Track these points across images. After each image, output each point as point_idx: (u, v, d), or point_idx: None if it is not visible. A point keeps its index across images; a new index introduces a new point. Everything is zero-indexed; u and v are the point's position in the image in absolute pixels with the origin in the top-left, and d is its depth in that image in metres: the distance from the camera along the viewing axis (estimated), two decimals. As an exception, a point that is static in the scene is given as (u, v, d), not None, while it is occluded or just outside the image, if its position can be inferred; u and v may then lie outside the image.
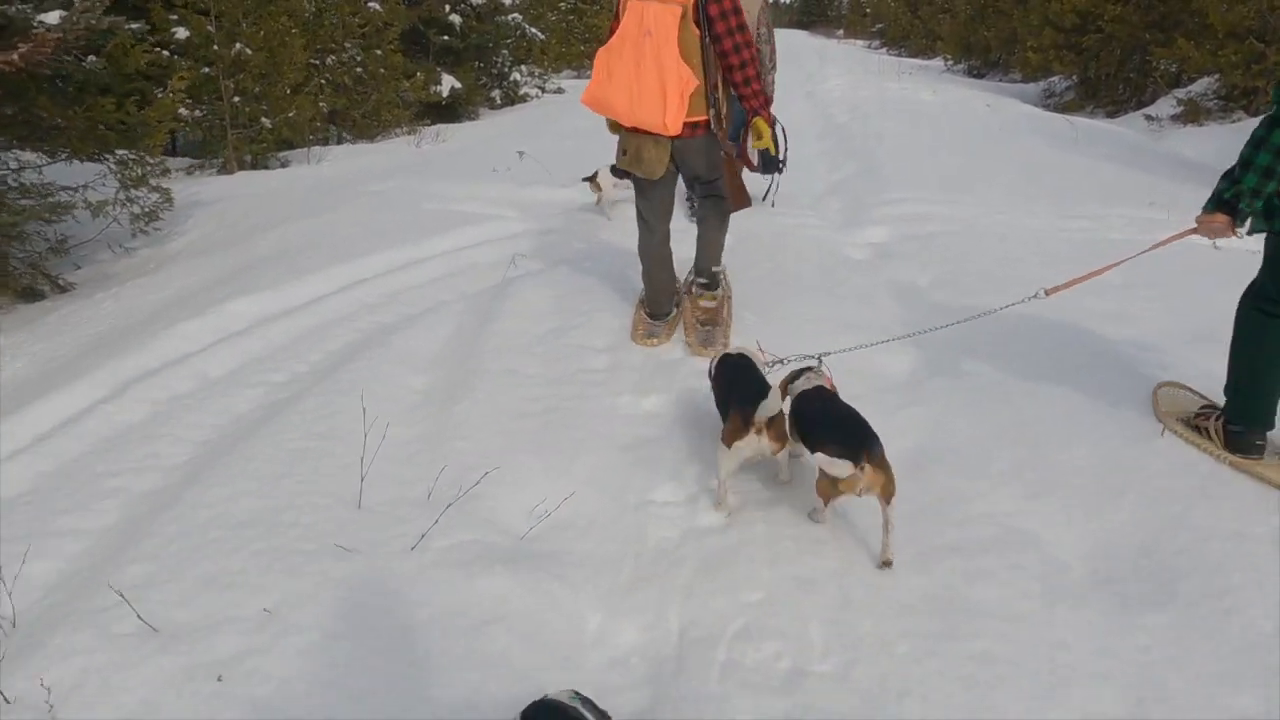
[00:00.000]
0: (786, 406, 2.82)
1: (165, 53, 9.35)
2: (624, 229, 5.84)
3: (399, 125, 13.45)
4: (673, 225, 4.20)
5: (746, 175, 6.14)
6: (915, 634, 2.25)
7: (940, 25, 27.86)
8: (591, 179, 6.51)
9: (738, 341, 3.94)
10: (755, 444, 2.67)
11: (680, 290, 4.48)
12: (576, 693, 1.75)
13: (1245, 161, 2.60)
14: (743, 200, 3.91)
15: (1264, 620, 2.22)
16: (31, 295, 6.30)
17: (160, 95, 7.37)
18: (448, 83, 14.82)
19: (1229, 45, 10.22)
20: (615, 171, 5.88)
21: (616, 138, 3.91)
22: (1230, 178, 2.69)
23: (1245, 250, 4.30)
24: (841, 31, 50.00)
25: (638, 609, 2.36)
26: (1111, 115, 13.38)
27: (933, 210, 6.40)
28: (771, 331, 4.09)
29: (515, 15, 17.65)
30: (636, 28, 3.51)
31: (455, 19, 15.55)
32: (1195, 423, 3.04)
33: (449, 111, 15.25)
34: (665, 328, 4.22)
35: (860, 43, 39.95)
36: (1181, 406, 3.20)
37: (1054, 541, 2.62)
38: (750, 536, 2.62)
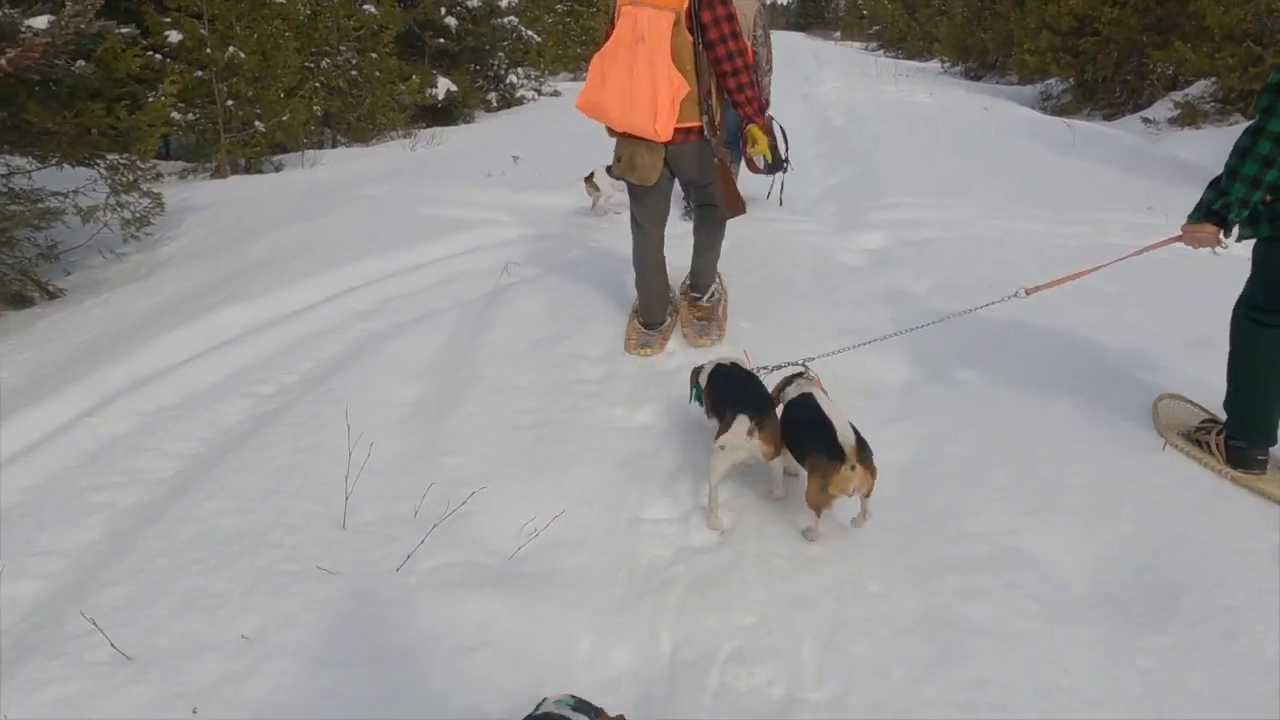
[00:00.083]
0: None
1: (158, 56, 9.30)
2: (619, 235, 5.80)
3: (394, 128, 13.40)
4: (668, 230, 4.16)
5: (748, 176, 6.09)
6: (911, 658, 2.20)
7: (937, 27, 27.87)
8: (589, 179, 6.46)
9: (725, 350, 3.91)
10: (747, 446, 2.67)
11: (675, 299, 4.44)
12: (573, 696, 1.74)
13: (1231, 171, 2.58)
14: (737, 207, 3.87)
15: (1267, 642, 2.18)
16: (21, 302, 6.24)
17: (152, 99, 7.32)
18: (443, 85, 14.77)
19: (1226, 48, 10.20)
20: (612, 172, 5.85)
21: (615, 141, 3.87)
22: (1217, 188, 2.67)
23: (1242, 257, 4.28)
24: (838, 33, 49.98)
25: (628, 630, 2.30)
26: (1108, 118, 13.36)
27: (929, 215, 6.36)
28: (767, 339, 4.05)
29: (511, 18, 17.62)
30: (630, 33, 3.48)
31: (451, 22, 15.51)
32: (1196, 437, 3.00)
33: (445, 114, 15.20)
34: (659, 337, 4.17)
35: (857, 45, 39.95)
36: (1182, 420, 3.16)
37: (1052, 559, 2.57)
38: (743, 555, 2.57)
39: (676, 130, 3.61)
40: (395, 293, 5.11)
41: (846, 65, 22.29)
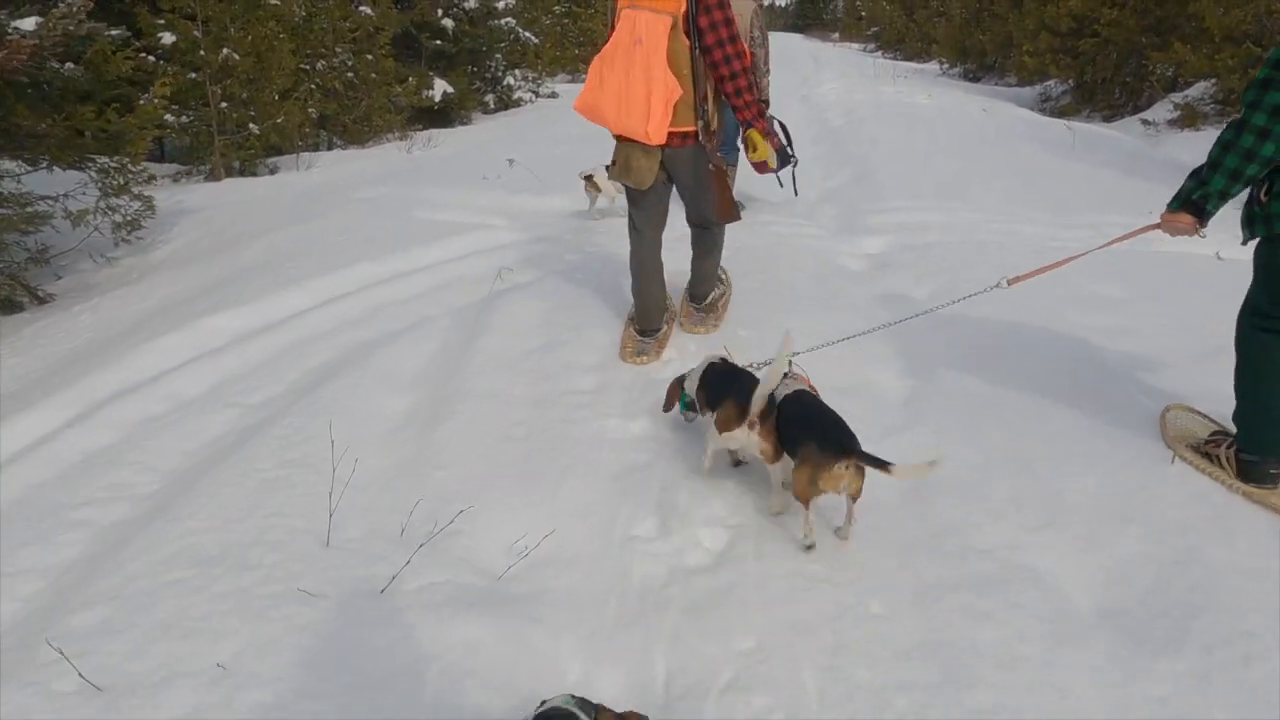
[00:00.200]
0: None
1: (151, 58, 9.22)
2: (615, 239, 5.73)
3: (390, 131, 13.31)
4: (668, 234, 4.10)
5: (753, 176, 6.01)
6: (913, 685, 2.12)
7: (936, 29, 27.80)
8: (589, 178, 6.37)
9: (714, 342, 3.93)
10: (743, 437, 2.73)
11: (672, 307, 4.37)
12: (572, 695, 1.72)
13: (1213, 163, 2.58)
14: (731, 213, 3.83)
15: (1284, 667, 2.10)
16: (10, 307, 6.16)
17: (143, 102, 7.23)
18: (440, 87, 14.68)
19: (1226, 49, 10.13)
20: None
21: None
22: (1198, 177, 2.66)
23: (1247, 261, 4.21)
24: (837, 35, 49.90)
25: (620, 656, 2.21)
26: (1108, 119, 13.30)
27: (929, 218, 6.29)
28: (766, 346, 3.97)
29: (509, 19, 17.54)
30: (628, 36, 3.47)
31: (448, 23, 15.42)
32: (1206, 450, 2.92)
33: (441, 116, 15.11)
34: (655, 345, 4.10)
35: (855, 46, 39.88)
36: (1191, 432, 3.07)
37: (1058, 577, 2.49)
38: (740, 575, 2.49)
39: (673, 135, 3.60)
40: (387, 299, 5.03)
41: (845, 66, 22.21)
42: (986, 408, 3.46)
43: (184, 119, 9.77)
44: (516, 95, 18.12)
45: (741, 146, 3.89)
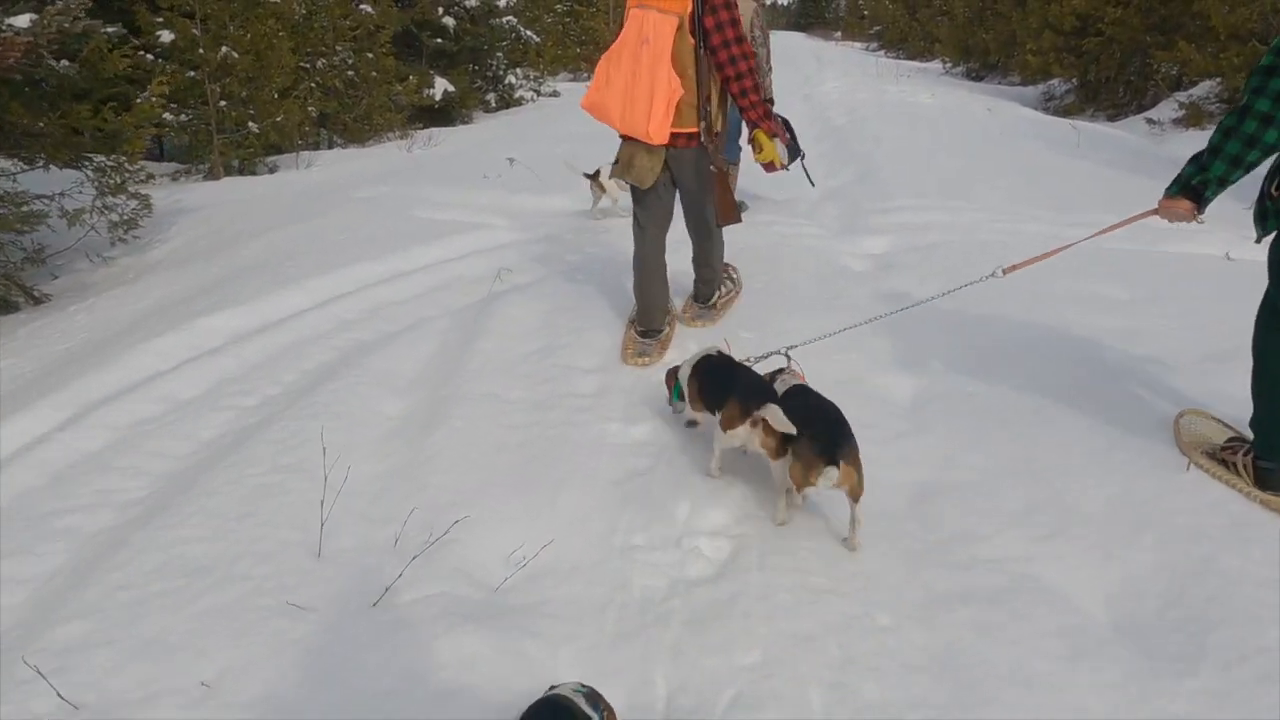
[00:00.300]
0: None
1: (149, 56, 9.16)
2: (616, 239, 5.66)
3: (391, 129, 13.25)
4: (671, 235, 4.04)
5: (758, 176, 5.95)
6: (924, 702, 2.04)
7: (939, 28, 27.72)
8: (593, 176, 6.30)
9: (712, 336, 3.87)
10: (745, 434, 2.72)
11: (674, 310, 4.31)
12: (582, 684, 1.69)
13: (1214, 148, 2.54)
14: (732, 216, 3.80)
15: (1307, 686, 2.02)
16: (5, 307, 6.10)
17: (140, 100, 7.17)
18: (441, 86, 14.62)
19: (1231, 48, 10.06)
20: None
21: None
22: (1198, 163, 2.62)
23: (1259, 262, 4.14)
24: (839, 34, 49.84)
25: (620, 670, 2.14)
26: (1112, 119, 13.22)
27: (933, 218, 6.22)
28: (768, 348, 3.90)
29: (510, 18, 17.49)
30: (636, 35, 3.50)
31: (449, 21, 15.36)
32: (1222, 456, 2.84)
33: (442, 115, 15.05)
34: (657, 346, 4.04)
35: (858, 45, 39.81)
36: (1206, 437, 3.00)
37: (1070, 590, 2.42)
38: (744, 587, 2.41)
39: (678, 135, 3.63)
40: (385, 300, 4.97)
41: (847, 65, 22.15)
42: (993, 412, 3.39)
43: (183, 118, 9.71)
44: (518, 94, 18.07)
45: (747, 147, 3.85)
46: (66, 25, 5.76)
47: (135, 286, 6.12)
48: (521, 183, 7.64)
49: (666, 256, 4.08)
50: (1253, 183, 2.77)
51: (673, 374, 3.28)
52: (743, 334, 4.15)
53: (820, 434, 2.56)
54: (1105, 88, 14.21)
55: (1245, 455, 2.76)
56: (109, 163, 6.65)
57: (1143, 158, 9.00)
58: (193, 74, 9.45)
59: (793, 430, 2.56)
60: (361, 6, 13.00)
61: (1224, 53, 10.10)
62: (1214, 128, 2.63)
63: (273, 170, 10.44)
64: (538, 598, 2.38)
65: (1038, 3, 15.57)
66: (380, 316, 4.63)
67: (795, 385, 2.91)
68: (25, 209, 6.17)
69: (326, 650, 2.14)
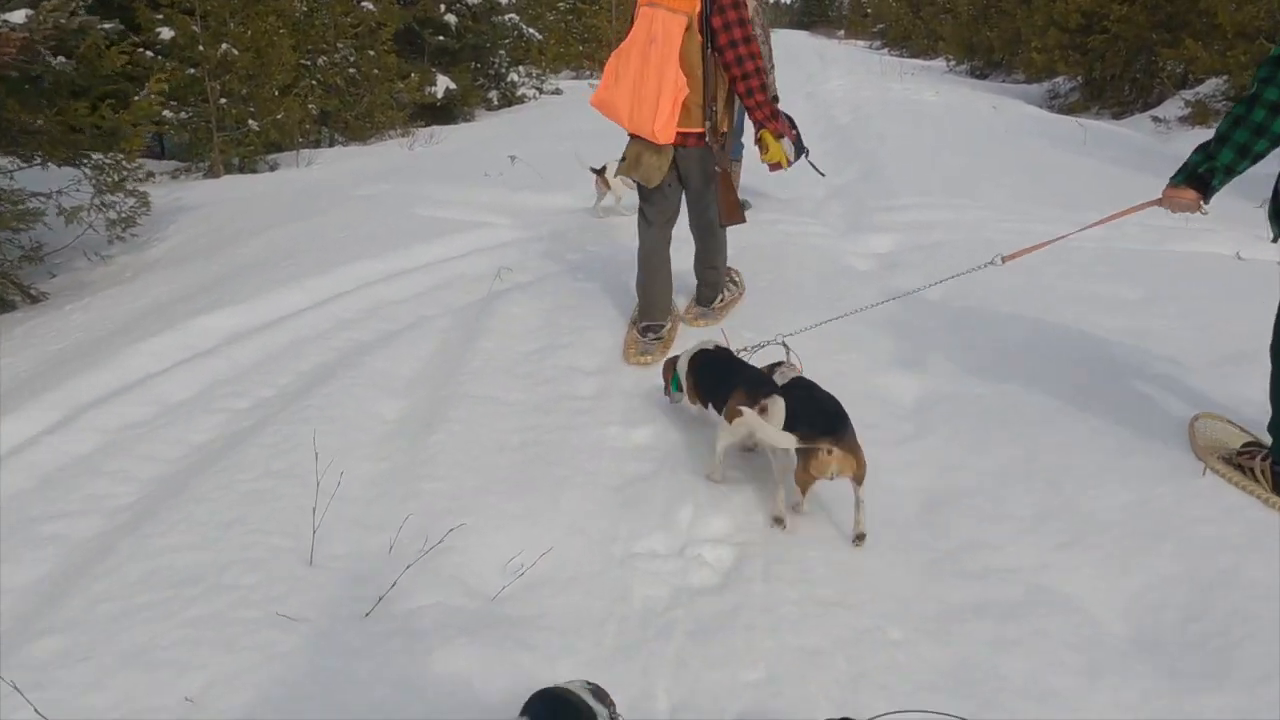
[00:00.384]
0: None
1: (149, 53, 9.09)
2: (619, 238, 5.58)
3: (393, 127, 13.19)
4: (675, 233, 4.00)
5: (763, 176, 5.88)
6: (938, 720, 1.97)
7: (942, 26, 27.60)
8: (599, 172, 6.22)
9: (711, 331, 3.83)
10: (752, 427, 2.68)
11: (676, 311, 4.24)
12: (587, 682, 1.67)
13: (1222, 137, 2.49)
14: (736, 216, 3.77)
15: (1336, 706, 1.94)
16: (2, 306, 6.04)
17: (139, 97, 7.11)
18: (443, 84, 14.56)
19: (1238, 45, 9.96)
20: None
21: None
22: (1205, 151, 2.55)
23: (1271, 261, 4.07)
24: (842, 32, 49.72)
25: (620, 685, 2.05)
26: (1117, 117, 13.12)
27: (938, 216, 6.14)
28: (771, 349, 3.83)
29: (512, 15, 17.41)
30: (645, 34, 3.50)
31: (451, 19, 15.28)
32: (1239, 461, 2.76)
33: (444, 113, 14.99)
34: (660, 345, 3.97)
35: (861, 43, 39.70)
36: (1222, 442, 2.91)
37: (1087, 601, 2.34)
38: (748, 598, 2.33)
39: (685, 134, 3.63)
40: (385, 298, 4.89)
41: (851, 63, 22.05)
42: (1000, 414, 3.31)
43: (183, 115, 9.66)
44: (520, 92, 18.00)
45: (752, 145, 3.80)
46: (63, 21, 5.69)
47: (133, 285, 6.05)
48: (523, 180, 7.56)
49: (670, 254, 4.01)
50: (1265, 180, 2.70)
51: (671, 365, 3.27)
52: (745, 333, 4.06)
53: (810, 424, 2.56)
54: (1110, 85, 14.11)
55: (1263, 460, 2.68)
56: (107, 160, 6.59)
57: (1149, 155, 8.92)
58: (193, 71, 9.40)
59: (791, 444, 2.55)
60: (363, 3, 12.94)
61: (1231, 50, 10.01)
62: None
63: (273, 168, 10.38)
64: (535, 608, 2.30)
65: (1042, 0, 15.47)
66: (379, 316, 4.56)
67: (795, 377, 2.91)
68: (22, 207, 6.12)
69: (317, 662, 2.06)
